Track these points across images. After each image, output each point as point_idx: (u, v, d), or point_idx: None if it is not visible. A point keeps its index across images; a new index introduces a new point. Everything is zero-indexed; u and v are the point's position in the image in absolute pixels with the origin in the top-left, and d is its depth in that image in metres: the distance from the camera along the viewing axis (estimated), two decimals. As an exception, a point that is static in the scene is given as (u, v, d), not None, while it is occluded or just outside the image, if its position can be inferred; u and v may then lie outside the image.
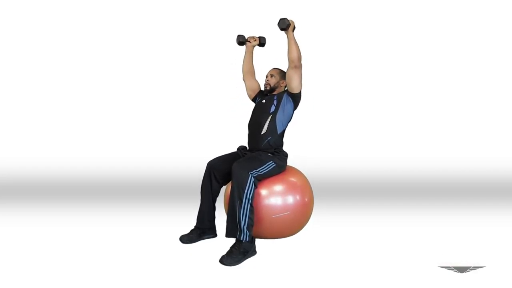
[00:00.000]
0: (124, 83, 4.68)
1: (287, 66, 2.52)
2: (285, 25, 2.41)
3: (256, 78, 2.86)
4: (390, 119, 4.59)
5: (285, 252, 2.33)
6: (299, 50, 2.44)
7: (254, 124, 2.59)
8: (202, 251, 2.35)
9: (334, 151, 4.42)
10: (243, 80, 2.86)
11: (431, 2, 4.54)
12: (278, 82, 2.65)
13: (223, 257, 2.17)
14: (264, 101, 2.64)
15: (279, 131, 2.54)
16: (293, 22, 2.45)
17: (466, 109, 4.59)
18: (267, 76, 2.68)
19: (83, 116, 4.68)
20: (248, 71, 2.84)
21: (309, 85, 2.58)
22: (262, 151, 2.48)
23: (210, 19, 4.55)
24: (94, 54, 4.65)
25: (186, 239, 2.48)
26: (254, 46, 2.85)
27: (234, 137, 2.91)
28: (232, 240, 2.26)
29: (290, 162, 2.62)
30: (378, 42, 4.56)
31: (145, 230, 2.73)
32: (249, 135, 2.64)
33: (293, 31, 2.46)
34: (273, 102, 2.57)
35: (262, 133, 2.52)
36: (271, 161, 2.41)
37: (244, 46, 2.85)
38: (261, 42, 2.85)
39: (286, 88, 2.61)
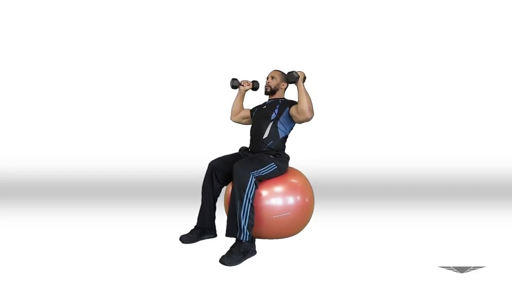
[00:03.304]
0: (125, 84, 4.68)
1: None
2: (294, 78, 2.39)
3: (257, 81, 2.87)
4: (390, 120, 4.59)
5: (285, 252, 2.33)
6: (310, 101, 2.40)
7: (256, 130, 2.61)
8: (202, 251, 2.35)
9: (334, 151, 4.42)
10: (230, 119, 2.93)
11: (431, 2, 4.54)
12: (278, 84, 2.66)
13: (223, 257, 2.17)
14: (265, 106, 2.65)
15: (280, 136, 2.55)
16: (302, 74, 2.44)
17: (466, 109, 4.59)
18: (267, 78, 2.69)
19: (83, 116, 4.69)
20: (236, 112, 2.90)
21: (309, 86, 2.58)
22: (264, 153, 2.49)
23: (213, 19, 4.56)
24: (95, 54, 4.65)
25: (186, 239, 2.48)
26: (246, 90, 2.90)
27: (236, 138, 2.91)
28: (232, 240, 2.26)
29: (291, 162, 2.62)
30: (378, 43, 4.56)
31: (145, 230, 2.73)
32: (251, 140, 2.65)
33: (303, 81, 2.44)
34: (274, 110, 2.57)
35: (263, 137, 2.53)
36: (273, 163, 2.41)
37: (237, 90, 2.89)
38: (254, 86, 2.90)
39: (289, 103, 2.59)
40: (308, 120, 2.43)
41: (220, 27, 4.49)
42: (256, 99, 2.88)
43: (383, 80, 4.60)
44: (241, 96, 2.91)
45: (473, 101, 4.58)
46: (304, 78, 2.47)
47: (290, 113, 2.52)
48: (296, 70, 2.43)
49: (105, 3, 4.61)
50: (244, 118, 2.88)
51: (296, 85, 2.43)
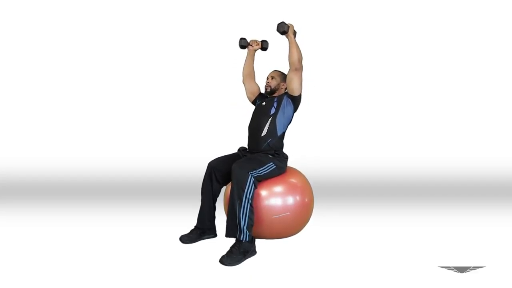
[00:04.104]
0: (124, 84, 4.68)
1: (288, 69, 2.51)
2: (284, 28, 2.39)
3: (257, 81, 2.86)
4: (390, 119, 4.59)
5: (285, 252, 2.33)
6: (300, 52, 2.44)
7: (254, 126, 2.60)
8: (202, 251, 2.35)
9: (334, 151, 4.42)
10: (243, 83, 2.86)
11: (431, 2, 4.54)
12: (278, 84, 2.66)
13: (223, 257, 2.17)
14: (264, 103, 2.65)
15: (279, 133, 2.54)
16: (292, 26, 2.44)
17: (466, 109, 4.59)
18: (267, 78, 2.69)
19: (83, 116, 4.68)
20: (248, 74, 2.84)
21: (309, 86, 2.58)
22: (262, 153, 2.49)
23: (213, 19, 4.55)
24: (95, 54, 4.65)
25: (186, 239, 2.48)
26: (256, 50, 2.85)
27: (235, 138, 2.91)
28: (232, 240, 2.27)
29: (290, 162, 2.62)
30: (378, 43, 4.56)
31: (145, 230, 2.73)
32: (249, 137, 2.64)
33: (294, 35, 2.45)
34: (273, 104, 2.57)
35: (262, 135, 2.52)
36: (271, 163, 2.41)
37: (246, 49, 2.85)
38: (264, 46, 2.84)
39: (286, 91, 2.60)
40: (297, 71, 2.44)
41: (220, 27, 4.49)
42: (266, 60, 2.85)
43: (383, 79, 4.60)
44: (251, 57, 2.84)
45: (473, 101, 4.58)
46: (295, 32, 2.46)
47: (286, 80, 2.52)
48: (286, 22, 2.41)
49: (105, 3, 4.61)
50: (251, 93, 2.82)
51: (287, 37, 2.44)
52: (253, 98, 2.82)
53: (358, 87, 4.58)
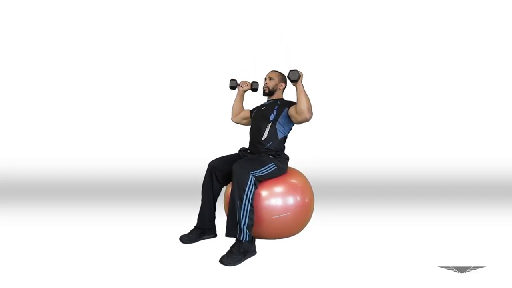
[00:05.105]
0: (125, 84, 4.69)
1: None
2: (296, 77, 2.34)
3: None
4: (390, 120, 4.60)
5: (285, 252, 2.33)
6: (309, 102, 2.38)
7: (255, 131, 2.61)
8: (202, 251, 2.35)
9: (334, 151, 4.42)
10: (231, 120, 2.95)
11: (431, 2, 4.54)
12: (276, 84, 2.66)
13: (223, 257, 2.17)
14: (264, 107, 2.65)
15: (279, 137, 2.55)
16: (303, 75, 2.40)
17: (466, 109, 4.59)
18: (265, 79, 2.69)
19: (83, 116, 4.69)
20: (237, 113, 2.92)
21: (310, 86, 2.57)
22: (263, 153, 2.49)
23: (213, 19, 4.56)
24: (95, 54, 4.65)
25: (186, 239, 2.48)
26: (245, 91, 2.90)
27: (236, 138, 2.92)
28: (232, 240, 2.27)
29: (290, 162, 2.62)
30: (378, 43, 4.57)
31: (145, 230, 2.73)
32: (250, 141, 2.65)
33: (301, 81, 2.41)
34: (273, 111, 2.57)
35: (263, 138, 2.53)
36: (272, 163, 2.41)
37: (236, 90, 2.90)
38: (253, 87, 2.88)
39: (288, 104, 2.58)
40: (307, 120, 2.42)
41: (220, 27, 4.50)
42: (256, 99, 2.88)
43: (383, 80, 4.60)
44: (241, 97, 2.92)
45: (473, 101, 4.58)
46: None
47: (289, 113, 2.52)
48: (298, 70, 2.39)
49: (105, 3, 4.61)
50: (244, 118, 2.89)
51: (295, 85, 2.39)
52: (249, 119, 2.83)
53: (358, 88, 4.59)
